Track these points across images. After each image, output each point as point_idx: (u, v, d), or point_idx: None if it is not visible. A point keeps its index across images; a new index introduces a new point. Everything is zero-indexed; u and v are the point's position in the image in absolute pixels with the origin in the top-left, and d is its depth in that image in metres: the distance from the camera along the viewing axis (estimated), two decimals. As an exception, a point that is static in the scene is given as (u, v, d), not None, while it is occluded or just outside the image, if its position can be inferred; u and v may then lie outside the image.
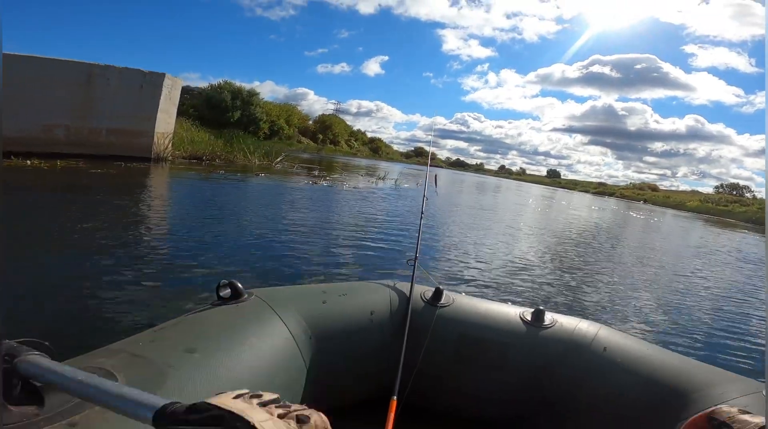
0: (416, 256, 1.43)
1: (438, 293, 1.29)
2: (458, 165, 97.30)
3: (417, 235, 1.65)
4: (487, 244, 5.65)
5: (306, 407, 0.38)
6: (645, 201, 42.55)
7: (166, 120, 10.65)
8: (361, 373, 1.19)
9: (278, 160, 14.88)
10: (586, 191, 56.50)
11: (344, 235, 4.79)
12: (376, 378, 1.19)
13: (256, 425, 0.33)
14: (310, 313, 1.12)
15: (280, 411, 0.37)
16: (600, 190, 58.06)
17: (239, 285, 1.09)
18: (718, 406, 0.34)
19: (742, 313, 3.95)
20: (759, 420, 0.31)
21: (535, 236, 7.40)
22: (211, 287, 1.14)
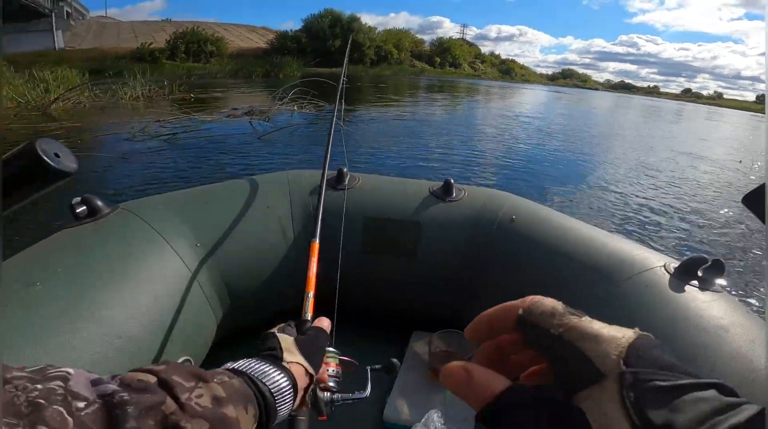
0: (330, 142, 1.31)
1: (341, 174, 1.20)
2: (622, 88, 79.34)
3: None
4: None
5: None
6: None
7: None
8: (266, 276, 1.08)
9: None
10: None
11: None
12: (286, 280, 1.08)
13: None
14: (192, 218, 1.00)
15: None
16: None
17: (98, 200, 0.94)
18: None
19: None
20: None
21: None
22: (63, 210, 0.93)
